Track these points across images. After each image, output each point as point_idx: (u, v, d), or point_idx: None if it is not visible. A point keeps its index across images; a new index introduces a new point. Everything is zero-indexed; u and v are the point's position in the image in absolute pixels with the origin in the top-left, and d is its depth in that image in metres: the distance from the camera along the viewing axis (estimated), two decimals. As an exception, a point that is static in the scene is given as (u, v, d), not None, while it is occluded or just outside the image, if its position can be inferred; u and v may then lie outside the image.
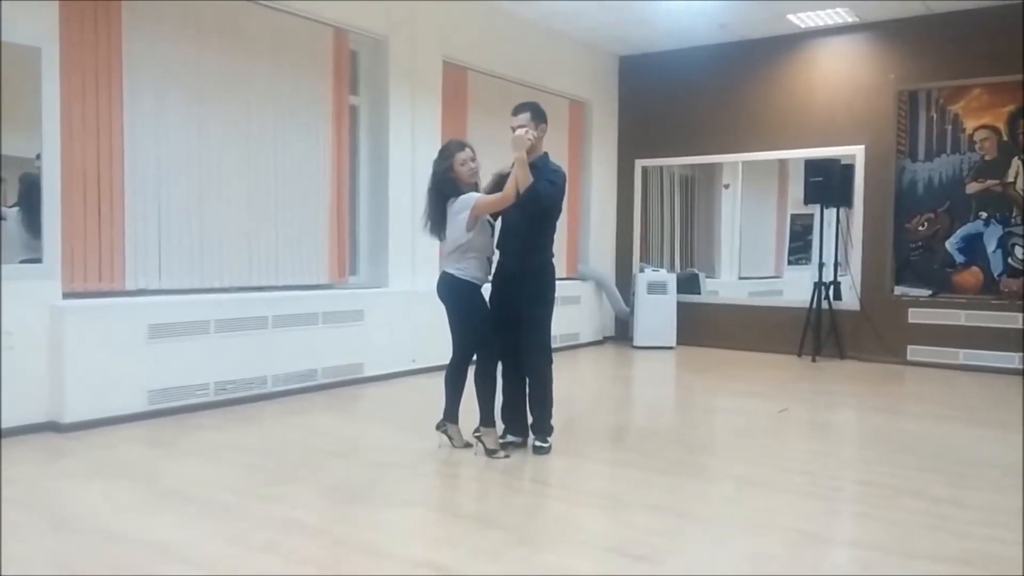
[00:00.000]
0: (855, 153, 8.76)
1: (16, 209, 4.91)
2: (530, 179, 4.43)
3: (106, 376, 5.20)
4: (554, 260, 4.84)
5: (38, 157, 4.95)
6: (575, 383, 7.40)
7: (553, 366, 4.79)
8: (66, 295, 5.17)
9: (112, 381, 5.23)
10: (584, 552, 3.26)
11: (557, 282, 4.89)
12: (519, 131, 4.51)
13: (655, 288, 9.51)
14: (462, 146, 4.64)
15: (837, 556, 3.39)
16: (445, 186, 4.56)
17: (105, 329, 5.22)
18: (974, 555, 3.25)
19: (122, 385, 5.28)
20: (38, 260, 4.99)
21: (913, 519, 3.65)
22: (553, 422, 4.78)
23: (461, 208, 4.49)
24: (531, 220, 4.60)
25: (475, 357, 4.67)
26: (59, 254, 5.10)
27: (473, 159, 4.61)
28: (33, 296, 4.97)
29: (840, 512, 3.88)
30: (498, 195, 4.49)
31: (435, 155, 4.73)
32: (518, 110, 4.67)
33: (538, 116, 4.65)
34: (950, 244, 8.36)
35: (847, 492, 4.19)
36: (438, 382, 4.82)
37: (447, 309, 4.65)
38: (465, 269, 4.55)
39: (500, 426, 4.77)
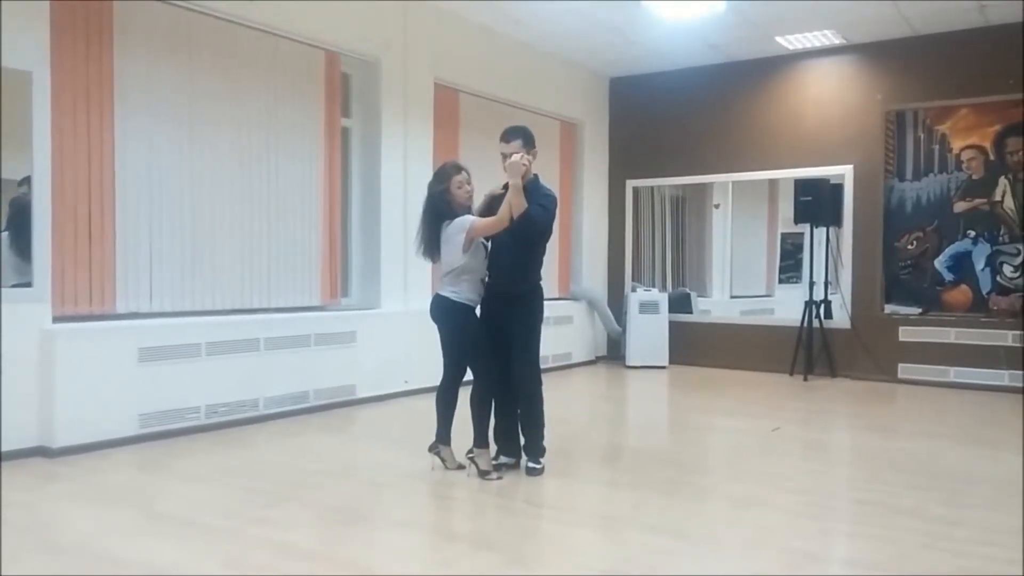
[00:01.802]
0: (844, 173, 8.82)
1: (6, 233, 4.89)
2: (524, 205, 4.43)
3: (96, 400, 5.17)
4: (545, 281, 4.85)
5: (21, 183, 4.92)
6: (568, 403, 7.39)
7: (544, 387, 4.79)
8: (56, 319, 5.14)
9: (103, 405, 5.20)
10: (579, 573, 3.24)
11: (549, 302, 4.90)
12: (515, 157, 4.50)
13: (647, 308, 9.53)
14: (459, 169, 4.65)
15: (833, 575, 3.38)
16: (441, 208, 4.57)
17: (96, 352, 5.19)
18: (970, 573, 3.25)
19: (113, 409, 5.25)
20: (28, 284, 4.96)
21: (908, 537, 3.65)
22: (546, 443, 4.77)
23: (456, 231, 4.49)
24: (522, 243, 4.61)
25: (471, 378, 4.67)
26: (49, 277, 5.07)
27: (469, 182, 4.63)
28: (23, 320, 4.93)
29: (835, 531, 3.88)
30: (493, 219, 4.50)
31: (427, 177, 4.76)
32: (509, 136, 4.67)
33: (529, 142, 4.66)
34: (939, 263, 8.41)
35: (842, 511, 4.20)
36: (431, 403, 4.82)
37: (440, 330, 4.65)
38: (459, 292, 4.56)
39: (493, 447, 4.76)
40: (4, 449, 4.82)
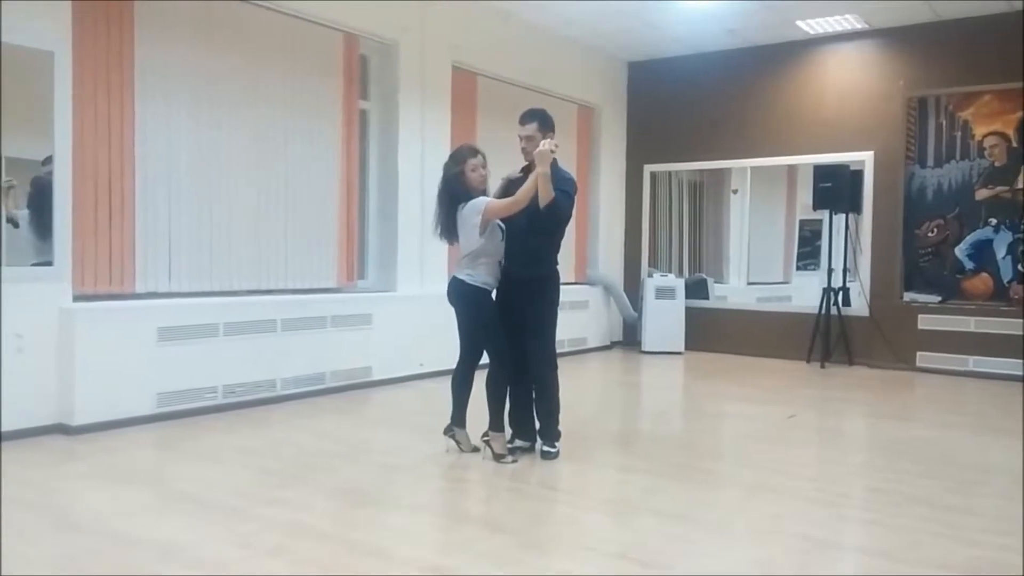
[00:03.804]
0: (864, 159, 8.74)
1: (26, 212, 4.93)
2: (552, 195, 4.42)
3: (115, 379, 5.22)
4: (562, 266, 4.85)
5: (45, 162, 4.96)
6: (583, 388, 7.40)
7: (559, 371, 4.80)
8: (76, 298, 5.19)
9: (121, 384, 5.25)
10: (592, 557, 3.26)
11: (565, 287, 4.89)
12: (543, 144, 4.46)
13: (663, 293, 9.50)
14: (475, 152, 4.65)
15: (845, 563, 3.38)
16: (455, 190, 4.56)
17: (115, 332, 5.24)
18: (982, 562, 3.24)
19: (131, 388, 5.30)
20: (49, 263, 5.01)
21: (921, 526, 3.64)
22: (560, 427, 4.78)
23: (472, 213, 4.49)
24: (541, 229, 4.60)
25: (488, 362, 4.68)
26: (70, 257, 5.12)
27: (484, 165, 4.62)
28: (43, 298, 4.99)
29: (848, 519, 3.87)
30: (510, 200, 4.49)
31: (444, 160, 4.74)
32: (525, 119, 4.67)
33: (546, 125, 4.64)
34: (959, 250, 8.33)
35: (855, 499, 4.19)
36: (446, 386, 4.84)
37: (457, 313, 4.66)
38: (476, 275, 4.56)
39: (508, 431, 4.78)
40: (24, 426, 4.88)
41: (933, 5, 7.83)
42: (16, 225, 4.86)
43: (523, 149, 4.68)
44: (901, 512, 3.85)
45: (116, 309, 5.33)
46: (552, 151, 4.46)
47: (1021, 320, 7.90)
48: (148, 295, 5.64)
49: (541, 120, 4.65)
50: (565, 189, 4.57)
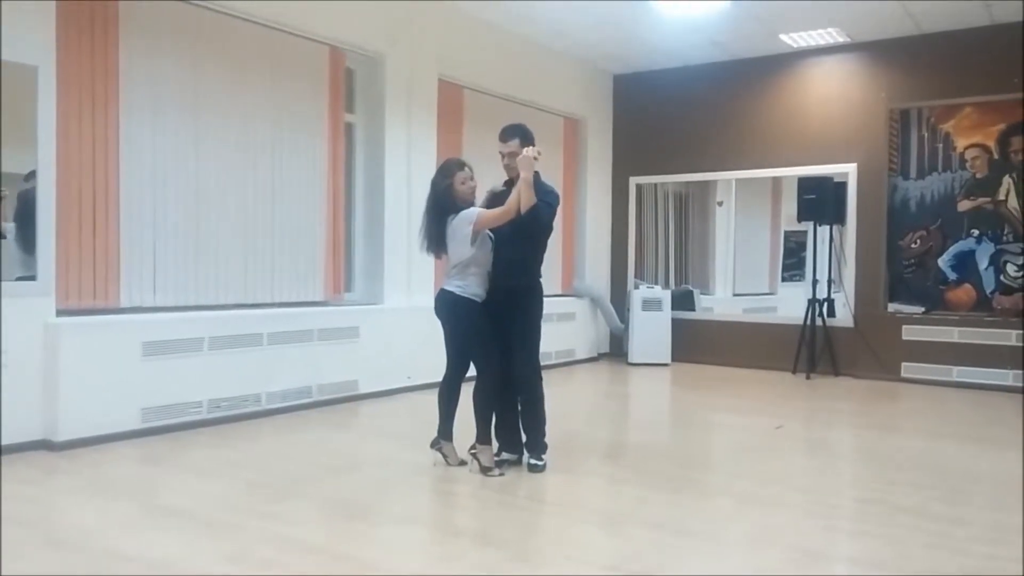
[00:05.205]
0: (848, 171, 8.81)
1: (12, 225, 4.89)
2: (534, 200, 4.44)
3: (100, 394, 5.17)
4: (548, 277, 4.86)
5: (27, 178, 4.92)
6: (570, 400, 7.39)
7: (546, 383, 4.80)
8: (60, 312, 5.14)
9: (106, 399, 5.20)
10: (582, 569, 3.25)
11: (552, 299, 4.90)
12: (527, 151, 4.51)
13: (650, 305, 9.52)
14: (462, 165, 4.67)
15: (837, 573, 3.38)
16: (445, 203, 4.57)
17: (99, 346, 5.20)
18: (972, 572, 3.25)
19: (116, 403, 5.25)
20: (32, 277, 4.97)
21: (911, 536, 3.65)
22: (548, 439, 4.77)
23: (463, 223, 4.50)
24: (524, 239, 4.62)
25: (475, 374, 4.67)
26: (53, 271, 5.07)
27: (472, 178, 4.64)
28: (27, 313, 4.94)
29: (838, 529, 3.88)
30: (500, 210, 4.50)
31: (431, 173, 4.76)
32: (506, 135, 4.70)
33: (527, 140, 4.67)
34: (943, 261, 8.40)
35: (844, 509, 4.20)
36: (433, 398, 4.82)
37: (444, 325, 4.65)
38: (466, 286, 4.56)
39: (495, 443, 4.76)
40: (8, 442, 4.82)
41: (915, 18, 7.91)
42: (3, 237, 4.82)
43: (506, 165, 4.72)
44: (891, 522, 3.86)
45: (100, 324, 5.28)
46: (535, 158, 4.49)
47: (1005, 331, 7.96)
48: (133, 309, 5.58)
49: (523, 135, 4.68)
50: (547, 200, 4.60)
